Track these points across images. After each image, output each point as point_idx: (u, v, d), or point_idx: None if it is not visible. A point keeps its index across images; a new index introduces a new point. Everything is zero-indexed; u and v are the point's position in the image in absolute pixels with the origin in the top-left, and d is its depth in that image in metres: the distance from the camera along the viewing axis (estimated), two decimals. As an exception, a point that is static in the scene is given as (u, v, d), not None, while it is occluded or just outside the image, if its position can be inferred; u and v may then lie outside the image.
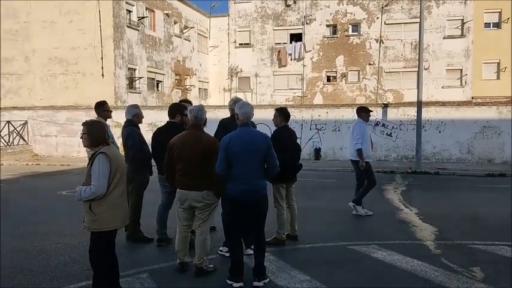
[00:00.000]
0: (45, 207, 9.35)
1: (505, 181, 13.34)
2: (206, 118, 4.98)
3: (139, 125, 6.62)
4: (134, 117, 6.45)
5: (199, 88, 31.31)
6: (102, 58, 21.27)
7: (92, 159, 3.95)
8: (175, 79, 27.84)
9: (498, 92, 26.37)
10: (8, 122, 20.10)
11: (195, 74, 30.57)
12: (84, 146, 4.16)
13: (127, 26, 22.61)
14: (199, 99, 30.19)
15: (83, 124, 4.03)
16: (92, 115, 21.64)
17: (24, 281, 4.92)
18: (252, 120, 4.98)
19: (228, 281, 4.73)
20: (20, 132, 20.69)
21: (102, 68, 21.30)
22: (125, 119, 6.51)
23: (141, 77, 23.69)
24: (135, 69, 23.55)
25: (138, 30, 23.69)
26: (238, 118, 4.69)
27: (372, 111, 9.13)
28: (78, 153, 20.74)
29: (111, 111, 7.12)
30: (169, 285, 4.82)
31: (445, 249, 6.11)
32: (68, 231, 7.03)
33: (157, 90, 25.84)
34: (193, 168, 4.74)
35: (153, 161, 6.35)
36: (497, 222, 7.72)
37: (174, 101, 26.78)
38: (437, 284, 4.82)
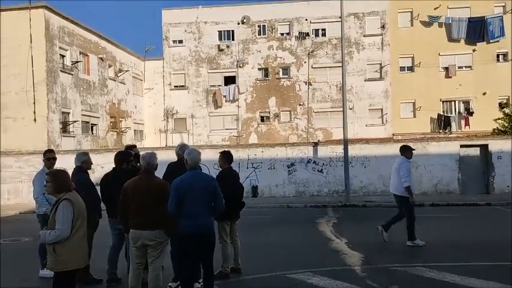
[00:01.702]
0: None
1: (423, 210, 14.76)
2: (157, 163, 5.53)
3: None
4: (83, 163, 6.82)
5: (135, 130, 31.36)
6: (34, 103, 20.98)
7: (55, 205, 4.36)
8: (111, 122, 27.79)
9: (415, 128, 29.02)
10: None
11: (130, 116, 30.67)
12: (48, 193, 4.55)
13: (60, 71, 22.57)
14: (134, 140, 30.15)
15: (47, 174, 4.45)
16: (24, 160, 20.99)
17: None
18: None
19: (181, 311, 5.19)
20: None
21: (35, 112, 20.98)
22: (74, 166, 6.86)
23: (75, 121, 23.50)
24: (68, 113, 23.35)
25: (72, 75, 23.68)
26: (187, 163, 5.30)
27: (414, 149, 9.70)
28: (8, 200, 20.02)
29: (52, 160, 7.39)
30: (124, 321, 5.18)
31: (370, 272, 6.95)
32: (25, 275, 7.10)
33: (92, 134, 25.64)
34: (146, 209, 5.23)
35: (102, 205, 6.71)
36: (414, 247, 8.77)
37: (108, 144, 26.70)
38: (363, 301, 5.60)
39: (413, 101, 30.33)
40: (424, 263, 7.39)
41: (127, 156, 6.70)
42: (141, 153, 5.76)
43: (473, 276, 6.50)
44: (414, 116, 30.41)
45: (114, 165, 6.74)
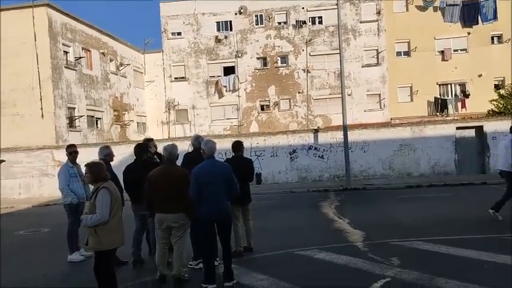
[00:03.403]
0: (10, 247, 9.80)
1: (421, 191, 15.47)
2: (178, 154, 6.15)
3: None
4: (106, 156, 7.44)
5: (138, 122, 31.93)
6: (41, 99, 21.54)
7: (95, 192, 4.98)
8: (114, 115, 28.37)
9: (412, 112, 29.59)
10: None
11: (133, 109, 31.22)
12: (87, 183, 5.18)
13: (65, 67, 23.09)
14: (138, 133, 30.80)
15: (85, 165, 5.07)
16: (33, 156, 21.59)
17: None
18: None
19: (203, 284, 5.84)
20: (-43, 178, 20.27)
21: (42, 108, 21.55)
22: (98, 159, 7.46)
23: (81, 116, 24.08)
24: (74, 108, 23.93)
25: (76, 70, 24.20)
26: (205, 152, 5.93)
27: None
28: (19, 195, 20.66)
29: (74, 154, 8.04)
30: (154, 294, 5.85)
31: (371, 247, 7.61)
32: (52, 263, 7.76)
33: (97, 128, 26.24)
34: (169, 195, 5.86)
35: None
36: (411, 224, 9.45)
37: (113, 137, 27.28)
38: (364, 270, 6.25)
39: (410, 85, 30.87)
40: (420, 237, 8.04)
41: (146, 148, 7.31)
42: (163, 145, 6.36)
43: (466, 247, 7.15)
44: (411, 100, 30.97)
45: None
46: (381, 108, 31.18)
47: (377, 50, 31.29)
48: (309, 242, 8.22)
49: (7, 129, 22.03)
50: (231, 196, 6.02)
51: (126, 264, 7.26)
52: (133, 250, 7.21)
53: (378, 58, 31.33)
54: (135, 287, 6.11)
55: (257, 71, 32.27)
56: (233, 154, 7.73)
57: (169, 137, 29.34)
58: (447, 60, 30.49)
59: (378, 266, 6.45)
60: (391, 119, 29.97)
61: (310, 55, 31.69)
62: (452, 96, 30.89)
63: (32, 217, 14.82)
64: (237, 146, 7.65)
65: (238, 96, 32.22)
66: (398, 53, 31.36)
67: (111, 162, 7.49)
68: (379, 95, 31.31)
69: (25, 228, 11.81)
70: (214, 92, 32.52)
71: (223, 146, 16.53)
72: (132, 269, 7.09)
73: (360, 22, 31.29)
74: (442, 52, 30.60)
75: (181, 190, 5.84)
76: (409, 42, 30.93)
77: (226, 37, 32.30)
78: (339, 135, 19.36)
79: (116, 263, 7.25)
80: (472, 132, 19.68)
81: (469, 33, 30.43)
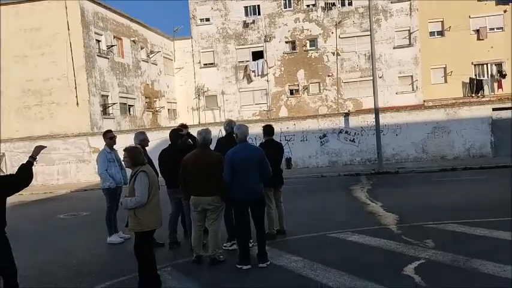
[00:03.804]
0: (52, 230, 10.24)
1: (456, 174, 15.18)
2: (211, 138, 6.26)
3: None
4: (142, 141, 7.65)
5: (168, 109, 32.39)
6: (76, 87, 22.12)
7: (134, 176, 5.15)
8: (146, 102, 28.86)
9: (446, 94, 28.82)
10: (-14, 155, 20.59)
11: (164, 96, 31.66)
12: (126, 167, 5.37)
13: (97, 55, 23.58)
14: (168, 119, 31.27)
15: (124, 150, 5.25)
16: (70, 142, 22.30)
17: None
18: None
19: (238, 265, 5.99)
20: (-2, 165, 21.17)
21: (77, 96, 22.16)
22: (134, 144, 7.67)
23: (114, 103, 24.62)
24: (107, 96, 24.48)
25: (108, 58, 24.68)
26: (238, 136, 6.02)
27: None
28: (57, 181, 21.40)
29: (114, 138, 8.28)
30: (191, 274, 6.02)
31: (405, 230, 7.57)
32: (93, 244, 8.10)
33: (130, 114, 26.78)
34: (204, 178, 6.00)
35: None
36: (446, 207, 9.32)
37: (145, 123, 27.80)
38: (398, 253, 6.25)
39: (444, 66, 30.03)
40: (456, 220, 7.93)
41: (180, 134, 7.47)
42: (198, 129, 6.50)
43: (502, 229, 7.02)
44: (445, 81, 30.16)
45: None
46: (413, 90, 30.53)
47: (409, 30, 30.52)
48: (342, 225, 8.25)
49: (44, 117, 22.80)
50: (262, 178, 6.10)
51: (162, 246, 7.48)
52: (169, 233, 7.42)
53: (410, 39, 30.57)
54: (172, 267, 6.30)
55: (286, 55, 32.06)
56: (266, 138, 7.77)
57: (199, 122, 29.67)
58: (483, 40, 29.45)
59: (412, 248, 6.43)
60: (424, 101, 29.32)
61: (339, 37, 31.23)
62: (488, 76, 29.90)
63: (71, 201, 15.39)
64: (271, 130, 7.72)
65: (267, 81, 32.15)
66: (432, 33, 30.49)
67: (146, 148, 7.68)
68: (412, 76, 30.62)
69: (65, 212, 12.30)
70: (243, 78, 32.56)
71: (253, 131, 16.54)
72: (168, 251, 7.30)
73: (391, 2, 30.52)
74: (477, 31, 29.55)
75: (215, 173, 5.96)
76: (442, 22, 30.01)
77: (254, 21, 32.16)
78: (370, 119, 19.10)
79: (154, 244, 7.54)
80: (508, 114, 19.01)
81: (505, 11, 29.24)
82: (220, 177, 5.96)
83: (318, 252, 6.56)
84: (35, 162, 4.46)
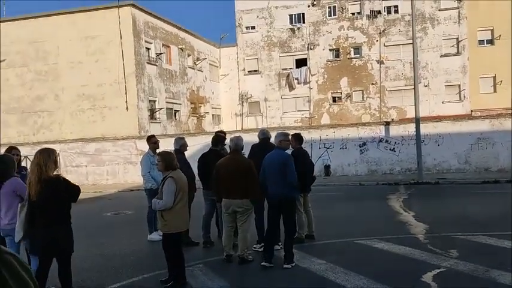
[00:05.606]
0: (99, 226, 11.04)
1: (498, 187, 14.83)
2: (243, 145, 6.72)
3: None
4: (181, 146, 8.21)
5: (213, 115, 33.29)
6: (126, 93, 23.32)
7: (163, 180, 5.65)
8: (191, 107, 29.86)
9: (496, 104, 27.95)
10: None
11: (208, 102, 32.59)
12: (159, 170, 5.90)
13: (147, 63, 24.74)
14: (212, 124, 32.14)
15: (158, 154, 5.78)
16: (119, 145, 23.43)
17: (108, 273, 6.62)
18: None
19: (263, 263, 6.40)
20: (54, 164, 22.58)
21: (126, 101, 23.34)
22: (173, 149, 8.26)
23: (161, 108, 25.70)
24: (155, 101, 25.60)
25: (157, 65, 25.82)
26: (274, 144, 6.55)
27: None
28: (107, 181, 22.57)
29: (156, 143, 8.90)
30: (220, 271, 6.47)
31: (432, 239, 7.69)
32: (134, 240, 8.75)
33: (175, 119, 27.83)
34: (235, 182, 6.45)
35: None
36: (479, 219, 9.30)
37: (190, 128, 28.75)
38: (421, 261, 6.43)
39: (494, 75, 29.18)
40: (486, 232, 7.95)
41: (222, 140, 8.02)
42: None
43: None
44: (495, 91, 29.30)
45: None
46: (460, 99, 29.83)
47: (457, 38, 29.90)
48: (371, 232, 8.44)
49: (96, 121, 24.15)
50: (289, 182, 6.46)
51: (197, 245, 7.99)
52: (203, 232, 7.92)
53: (458, 47, 29.93)
54: (204, 264, 6.78)
55: (329, 62, 32.20)
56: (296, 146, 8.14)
57: (242, 128, 30.31)
58: (535, 48, 28.38)
59: (435, 257, 6.57)
60: (472, 111, 28.58)
61: (384, 45, 31.02)
62: (540, 86, 28.71)
63: (118, 201, 16.31)
64: (299, 139, 8.09)
65: (310, 88, 32.39)
66: (481, 42, 29.75)
67: (184, 152, 8.24)
68: (459, 85, 29.93)
69: (112, 211, 13.14)
70: (286, 85, 32.97)
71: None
72: (202, 249, 7.80)
73: (439, 10, 30.02)
74: (530, 39, 28.51)
75: (244, 177, 6.40)
76: (492, 30, 29.20)
77: (298, 29, 32.54)
78: (411, 128, 18.95)
79: (189, 243, 8.09)
80: (559, 126, 18.33)
81: (561, 18, 28.05)
82: (249, 181, 6.40)
83: (342, 257, 6.85)
84: None
